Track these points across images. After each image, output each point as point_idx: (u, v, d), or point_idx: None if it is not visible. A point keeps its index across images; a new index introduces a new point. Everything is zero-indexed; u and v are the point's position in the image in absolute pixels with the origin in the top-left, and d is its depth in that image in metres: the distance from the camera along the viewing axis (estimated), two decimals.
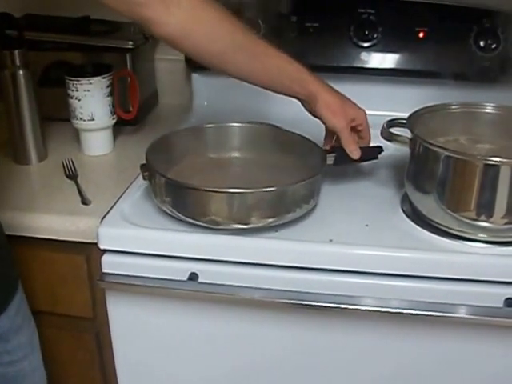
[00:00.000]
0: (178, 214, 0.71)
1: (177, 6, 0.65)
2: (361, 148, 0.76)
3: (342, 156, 0.75)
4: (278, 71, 0.71)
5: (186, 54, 0.71)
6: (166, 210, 0.72)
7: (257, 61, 0.70)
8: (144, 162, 0.74)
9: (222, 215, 0.68)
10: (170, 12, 0.65)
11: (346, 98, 0.75)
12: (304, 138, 0.79)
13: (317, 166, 0.73)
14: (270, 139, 0.82)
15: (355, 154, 0.74)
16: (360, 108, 0.75)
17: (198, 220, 0.70)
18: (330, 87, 0.73)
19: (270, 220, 0.69)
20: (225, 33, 0.68)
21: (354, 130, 0.76)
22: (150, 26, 0.66)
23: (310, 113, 0.75)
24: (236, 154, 0.83)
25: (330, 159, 0.75)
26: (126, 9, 0.65)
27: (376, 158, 0.80)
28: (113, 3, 0.64)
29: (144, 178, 0.74)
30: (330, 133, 0.76)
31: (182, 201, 0.70)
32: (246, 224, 0.68)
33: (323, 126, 0.76)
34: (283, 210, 0.70)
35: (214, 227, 0.70)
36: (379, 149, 0.80)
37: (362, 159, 0.76)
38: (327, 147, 0.77)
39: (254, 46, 0.70)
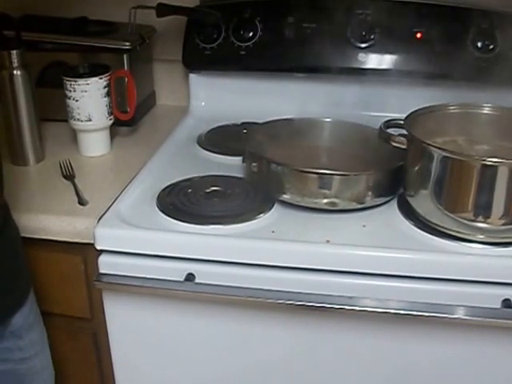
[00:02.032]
0: (298, 199, 0.74)
1: None
2: None
3: None
4: None
5: None
6: (285, 198, 0.75)
7: None
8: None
9: (342, 197, 0.74)
10: None
11: None
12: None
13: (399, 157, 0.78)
14: (354, 134, 0.86)
15: None
16: None
17: (317, 203, 0.74)
18: None
19: (381, 199, 0.76)
20: None
21: None
22: None
23: None
24: (321, 146, 0.87)
25: None
26: None
27: None
28: None
29: (252, 169, 0.77)
30: None
31: (300, 187, 0.74)
32: (361, 203, 0.74)
33: None
34: (390, 191, 0.77)
35: (332, 208, 0.74)
36: None
37: None
38: None
39: None
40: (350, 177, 0.74)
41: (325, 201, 0.73)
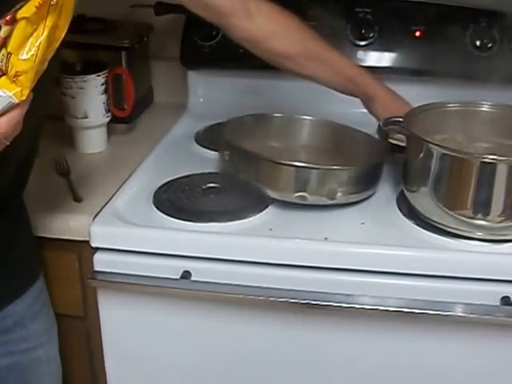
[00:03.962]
0: (268, 191, 0.73)
1: (257, 14, 0.74)
2: None
3: (394, 146, 0.80)
4: (342, 75, 0.79)
5: (260, 55, 0.78)
6: (254, 183, 0.74)
7: (325, 65, 0.78)
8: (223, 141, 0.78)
9: (312, 191, 0.72)
10: (252, 19, 0.74)
11: (402, 98, 0.81)
12: (365, 133, 0.83)
13: (379, 155, 0.78)
14: (334, 133, 0.85)
15: None
16: (410, 106, 0.80)
17: (287, 196, 0.72)
18: (388, 89, 0.81)
19: (353, 196, 0.74)
20: (299, 39, 0.77)
21: None
22: (233, 30, 0.75)
23: (368, 111, 0.82)
24: (301, 144, 0.86)
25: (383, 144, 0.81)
26: (213, 17, 0.75)
27: None
28: (202, 12, 0.74)
29: (224, 157, 0.76)
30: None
31: (272, 179, 0.73)
32: (332, 199, 0.73)
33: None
34: (363, 187, 0.75)
35: (302, 202, 0.72)
36: None
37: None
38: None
39: (324, 51, 0.79)
40: (320, 171, 0.72)
41: (296, 194, 0.72)
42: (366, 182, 0.75)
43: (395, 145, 0.79)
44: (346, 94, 0.81)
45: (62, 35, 0.50)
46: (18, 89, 0.48)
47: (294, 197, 0.72)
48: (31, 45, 0.47)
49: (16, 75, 0.47)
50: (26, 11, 0.47)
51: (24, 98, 0.48)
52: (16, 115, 0.48)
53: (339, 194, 0.72)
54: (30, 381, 0.71)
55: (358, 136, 0.84)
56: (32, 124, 0.57)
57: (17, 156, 0.63)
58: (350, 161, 0.78)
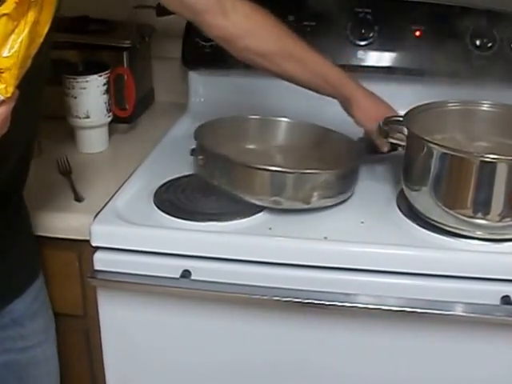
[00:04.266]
0: (242, 195, 0.72)
1: (233, 12, 0.73)
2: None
3: (371, 148, 0.81)
4: (320, 75, 0.78)
5: (235, 54, 0.77)
6: (228, 189, 0.73)
7: (301, 64, 0.77)
8: (193, 147, 0.77)
9: (286, 196, 0.71)
10: (228, 17, 0.73)
11: (380, 99, 0.81)
12: (342, 134, 0.83)
13: (355, 158, 0.78)
14: (310, 135, 0.84)
15: (384, 148, 0.80)
16: (392, 109, 0.81)
17: (262, 201, 0.72)
18: (365, 90, 0.80)
19: (329, 200, 0.73)
20: (275, 37, 0.76)
21: None
22: (209, 27, 0.74)
23: (346, 112, 0.81)
24: (277, 146, 0.85)
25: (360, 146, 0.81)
26: (189, 15, 0.74)
27: (396, 149, 0.84)
28: (178, 9, 0.74)
29: (199, 163, 0.75)
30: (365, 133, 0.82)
31: (246, 183, 0.72)
32: (307, 204, 0.71)
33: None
34: (339, 191, 0.74)
35: (277, 207, 0.72)
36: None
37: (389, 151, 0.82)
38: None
39: (300, 50, 0.77)
40: (295, 175, 0.71)
41: (271, 199, 0.71)
42: (341, 186, 0.74)
43: (374, 146, 0.79)
44: (324, 94, 0.79)
45: (45, 31, 0.50)
46: (3, 86, 0.48)
47: (269, 201, 0.71)
48: (13, 41, 0.47)
49: (0, 72, 0.47)
50: (5, 8, 0.46)
51: (9, 94, 0.48)
52: (2, 112, 0.49)
53: (314, 198, 0.71)
54: (27, 380, 0.71)
55: (336, 137, 0.83)
56: (27, 120, 0.58)
57: (16, 151, 0.63)
58: (327, 163, 0.77)
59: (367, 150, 0.81)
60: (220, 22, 0.73)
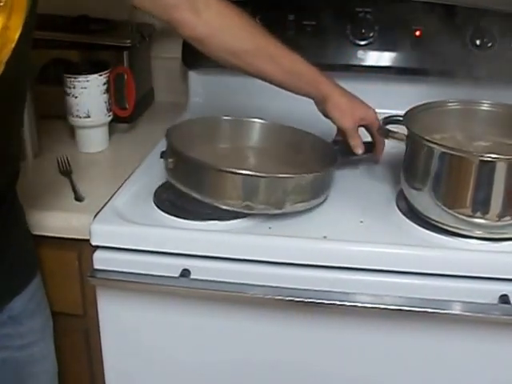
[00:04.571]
0: (212, 200, 0.70)
1: (205, 10, 0.72)
2: (363, 143, 0.81)
3: (346, 149, 0.80)
4: (293, 73, 0.76)
5: (208, 53, 0.76)
6: (197, 196, 0.71)
7: (275, 62, 0.75)
8: (163, 149, 0.75)
9: (258, 200, 0.70)
10: (199, 16, 0.72)
11: (357, 98, 0.80)
12: (316, 136, 0.82)
13: (330, 161, 0.77)
14: (284, 136, 0.84)
15: (359, 149, 0.80)
16: (369, 107, 0.80)
17: (233, 206, 0.70)
18: (342, 89, 0.78)
19: (301, 205, 0.72)
20: (247, 35, 0.75)
21: (364, 127, 0.81)
22: (180, 27, 0.73)
23: (322, 112, 0.80)
24: (250, 147, 0.84)
25: (336, 151, 0.80)
26: (160, 12, 0.72)
27: (371, 151, 0.83)
28: (149, 7, 0.72)
29: (169, 165, 0.73)
30: (340, 130, 0.81)
31: (217, 187, 0.70)
32: (280, 209, 0.70)
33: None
34: (312, 195, 0.73)
35: (249, 212, 0.70)
36: (373, 143, 0.83)
37: (363, 152, 0.81)
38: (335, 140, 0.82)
39: (273, 48, 0.75)
40: (267, 179, 0.69)
41: (242, 204, 0.69)
42: (314, 190, 0.73)
43: (348, 147, 0.79)
44: (299, 93, 0.78)
45: (16, 36, 0.49)
46: None
47: (241, 206, 0.69)
48: None
49: None
50: None
51: None
52: None
53: (287, 203, 0.70)
54: (25, 377, 0.71)
55: (310, 139, 0.81)
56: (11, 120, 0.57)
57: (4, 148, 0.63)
58: (301, 166, 0.76)
59: (342, 153, 0.79)
60: (191, 20, 0.71)
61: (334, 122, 0.79)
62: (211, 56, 0.76)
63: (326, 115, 0.79)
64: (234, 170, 0.68)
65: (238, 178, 0.69)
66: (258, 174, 0.69)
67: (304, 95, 0.78)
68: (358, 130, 0.79)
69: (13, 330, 0.68)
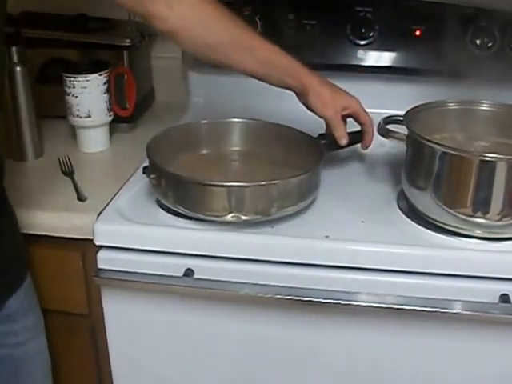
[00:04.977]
0: (195, 213, 0.70)
1: (178, 3, 0.70)
2: (348, 133, 0.79)
3: (332, 143, 0.78)
4: (271, 65, 0.74)
5: (183, 47, 0.75)
6: (178, 210, 0.71)
7: (251, 54, 0.73)
8: (146, 164, 0.74)
9: (245, 210, 0.69)
10: (172, 8, 0.69)
11: (338, 88, 0.77)
12: (301, 132, 0.81)
13: (316, 159, 0.75)
14: (267, 134, 0.82)
15: (343, 140, 0.77)
16: (352, 96, 0.78)
17: (219, 217, 0.69)
18: (322, 79, 0.76)
19: (288, 209, 0.71)
20: (222, 27, 0.72)
21: (350, 117, 0.79)
22: (152, 20, 0.70)
23: (304, 105, 0.78)
24: (234, 150, 0.83)
25: (321, 145, 0.79)
26: (135, 5, 0.70)
27: (360, 141, 0.82)
28: (124, 0, 0.70)
29: (152, 182, 0.72)
30: (325, 122, 0.79)
31: (201, 201, 0.69)
32: (267, 215, 0.69)
33: (321, 121, 0.78)
34: (300, 198, 0.72)
35: (238, 222, 0.69)
36: (361, 133, 0.82)
37: (348, 144, 0.79)
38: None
39: (250, 40, 0.73)
40: (251, 188, 0.68)
41: (229, 215, 0.68)
42: (301, 192, 0.71)
43: (334, 140, 0.76)
44: (278, 86, 0.75)
45: None
46: None
47: (228, 218, 0.68)
48: None
49: None
50: None
51: None
52: None
53: (274, 209, 0.69)
54: (21, 374, 0.72)
55: (294, 135, 0.80)
56: None
57: None
58: (287, 165, 0.75)
59: (329, 147, 0.78)
60: (164, 13, 0.69)
61: (316, 114, 0.76)
62: (187, 50, 0.75)
63: (308, 107, 0.76)
64: (216, 183, 0.68)
65: (221, 190, 0.68)
66: (240, 184, 0.68)
67: (285, 87, 0.76)
68: (341, 120, 0.76)
69: (8, 328, 0.69)
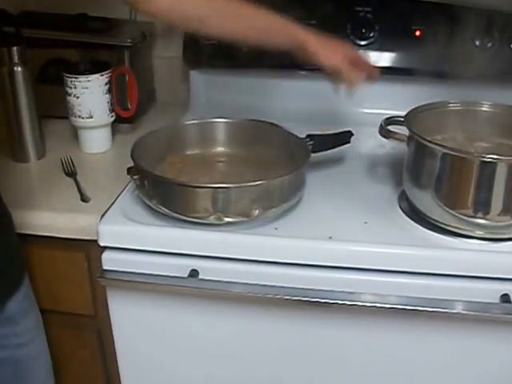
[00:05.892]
0: (178, 214, 0.70)
1: None
2: (333, 134, 0.80)
3: (320, 143, 0.79)
4: (265, 28, 0.74)
5: (172, 24, 0.74)
6: (161, 210, 0.72)
7: (242, 20, 0.73)
8: (131, 165, 0.74)
9: (226, 211, 0.69)
10: None
11: (335, 40, 0.78)
12: (289, 132, 0.81)
13: (302, 160, 0.75)
14: (254, 134, 0.82)
15: (362, 81, 0.76)
16: (346, 43, 0.79)
17: (201, 218, 0.70)
18: (315, 33, 0.76)
19: (271, 210, 0.71)
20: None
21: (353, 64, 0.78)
22: (141, 2, 0.69)
23: (304, 60, 0.77)
24: (220, 150, 0.83)
25: (309, 146, 0.78)
26: None
27: (349, 142, 0.82)
28: None
29: (135, 183, 0.73)
30: (332, 73, 0.78)
31: (184, 202, 0.70)
32: (248, 217, 0.70)
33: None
34: (282, 199, 0.71)
35: (219, 223, 0.70)
36: (350, 133, 0.82)
37: (334, 146, 0.80)
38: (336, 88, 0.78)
39: (238, 8, 0.73)
40: (232, 190, 0.68)
41: (211, 216, 0.69)
42: (284, 194, 0.71)
43: (314, 144, 0.76)
44: (275, 47, 0.74)
45: None
46: None
47: (210, 218, 0.69)
48: None
49: None
50: None
51: None
52: None
53: (256, 211, 0.69)
54: (23, 375, 0.72)
55: (280, 133, 0.80)
56: None
57: None
58: (271, 165, 0.74)
59: (317, 147, 0.78)
60: None
61: (321, 65, 0.75)
62: (180, 28, 0.74)
63: (308, 58, 0.75)
64: (197, 185, 0.68)
65: (201, 191, 0.68)
66: (220, 185, 0.68)
67: (280, 47, 0.75)
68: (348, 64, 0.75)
69: (10, 330, 0.69)
